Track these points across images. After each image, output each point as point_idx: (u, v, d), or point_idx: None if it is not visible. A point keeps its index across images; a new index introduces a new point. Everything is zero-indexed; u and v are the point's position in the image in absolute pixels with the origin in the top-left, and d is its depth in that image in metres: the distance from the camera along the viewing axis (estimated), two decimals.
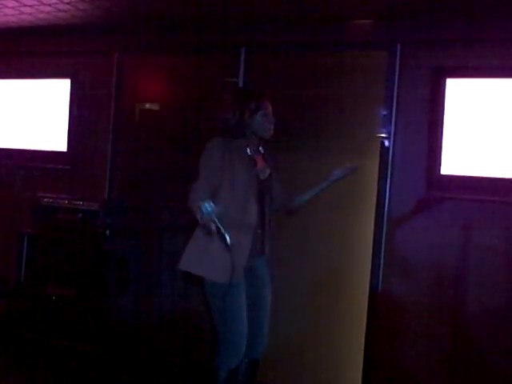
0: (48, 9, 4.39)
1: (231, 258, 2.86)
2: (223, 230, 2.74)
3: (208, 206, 2.65)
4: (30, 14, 4.54)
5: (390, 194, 4.07)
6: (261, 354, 3.26)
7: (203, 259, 3.04)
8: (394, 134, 4.07)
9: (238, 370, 3.18)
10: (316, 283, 4.33)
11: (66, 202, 4.74)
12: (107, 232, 4.57)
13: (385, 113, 4.10)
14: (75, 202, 4.71)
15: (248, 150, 3.14)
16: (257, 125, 3.13)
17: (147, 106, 5.09)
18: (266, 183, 3.22)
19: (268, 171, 3.24)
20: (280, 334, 4.27)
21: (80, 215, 4.67)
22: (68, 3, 4.22)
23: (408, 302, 4.00)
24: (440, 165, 3.92)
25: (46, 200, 4.78)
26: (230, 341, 3.06)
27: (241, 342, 3.05)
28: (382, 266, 4.06)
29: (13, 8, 4.42)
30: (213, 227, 2.70)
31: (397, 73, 4.05)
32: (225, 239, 2.77)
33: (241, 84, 4.48)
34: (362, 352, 4.09)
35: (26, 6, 4.35)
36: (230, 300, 3.00)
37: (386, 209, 4.07)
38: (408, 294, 4.00)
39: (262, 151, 3.25)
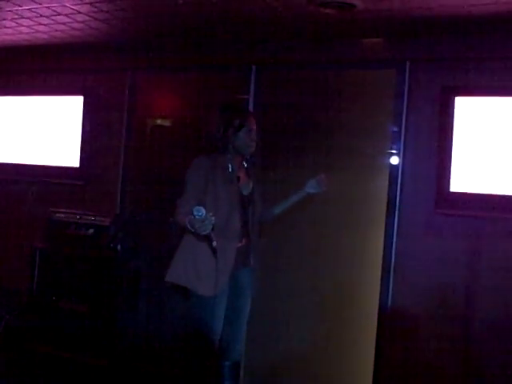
0: (62, 27, 4.46)
1: (216, 271, 3.13)
2: (212, 233, 2.95)
3: (199, 209, 2.81)
4: (45, 32, 4.61)
5: (399, 211, 4.08)
6: (239, 356, 3.56)
7: (189, 271, 3.24)
8: (404, 150, 4.09)
9: (223, 373, 3.43)
10: (326, 298, 4.34)
11: (78, 217, 4.79)
12: (118, 247, 4.61)
13: (394, 129, 4.13)
14: (87, 217, 4.76)
15: (230, 166, 3.25)
16: (239, 141, 3.25)
17: (159, 122, 5.15)
18: (248, 198, 3.34)
19: (251, 186, 3.37)
20: (291, 347, 4.30)
21: (92, 230, 4.71)
22: (82, 22, 4.29)
23: (417, 318, 4.00)
24: (449, 182, 3.93)
25: (58, 215, 4.83)
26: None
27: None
28: (391, 282, 4.07)
29: (28, 27, 4.50)
30: (205, 228, 2.83)
31: (406, 90, 4.08)
32: (211, 241, 3.04)
33: (251, 101, 4.53)
34: (372, 368, 4.09)
35: (40, 24, 4.42)
36: (211, 310, 3.22)
37: (395, 225, 4.08)
38: (417, 311, 4.00)
39: (246, 166, 3.36)
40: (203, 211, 2.81)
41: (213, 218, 2.83)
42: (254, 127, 3.29)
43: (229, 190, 3.23)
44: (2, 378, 4.28)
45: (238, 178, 3.29)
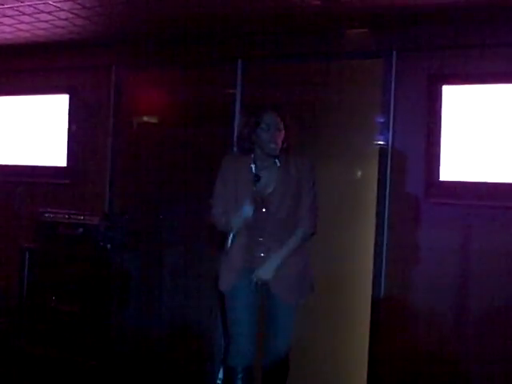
0: (45, 25, 4.42)
1: (224, 268, 3.22)
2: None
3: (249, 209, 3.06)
4: (27, 30, 4.57)
5: (389, 201, 4.08)
6: (269, 364, 3.29)
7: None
8: (392, 140, 4.09)
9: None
10: (318, 290, 4.33)
11: (67, 216, 4.74)
12: (108, 246, 4.57)
13: (382, 120, 4.12)
14: (76, 217, 4.71)
15: (253, 167, 3.17)
16: (259, 140, 3.13)
17: (145, 119, 5.12)
18: (267, 198, 3.16)
19: (272, 187, 3.17)
20: None
21: (81, 229, 4.67)
22: (65, 19, 4.25)
23: (410, 308, 4.01)
24: (439, 171, 3.93)
25: (47, 215, 4.78)
26: (232, 340, 3.22)
27: (241, 343, 3.17)
28: (383, 273, 4.07)
29: (10, 25, 4.46)
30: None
31: (393, 80, 4.08)
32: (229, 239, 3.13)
33: (238, 96, 4.51)
34: (367, 359, 4.09)
35: (23, 23, 4.38)
36: (231, 304, 3.21)
37: (386, 215, 4.08)
38: (410, 301, 4.01)
39: (279, 164, 3.18)
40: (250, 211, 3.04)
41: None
42: (275, 125, 3.12)
43: (243, 189, 3.15)
44: None
45: (258, 178, 3.16)
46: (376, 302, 4.08)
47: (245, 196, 3.12)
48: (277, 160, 3.18)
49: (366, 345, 4.10)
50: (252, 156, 3.18)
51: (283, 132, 3.14)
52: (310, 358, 4.28)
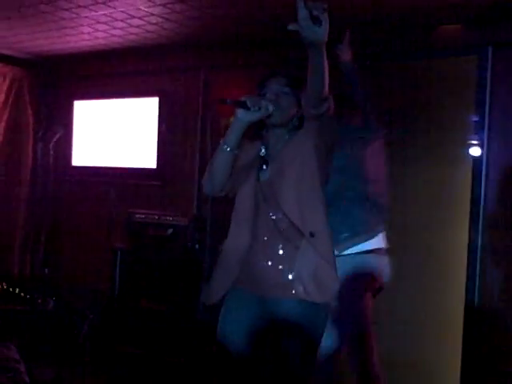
0: (136, 30, 4.52)
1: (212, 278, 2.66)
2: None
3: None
4: (120, 36, 4.69)
5: (484, 202, 3.91)
6: None
7: None
8: (488, 140, 3.91)
9: None
10: (410, 297, 4.21)
11: (157, 217, 4.84)
12: (196, 246, 4.63)
13: (476, 119, 3.95)
14: (165, 218, 4.80)
15: (263, 149, 2.60)
16: None
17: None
18: (267, 188, 2.52)
19: (275, 169, 2.51)
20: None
21: (170, 230, 4.75)
22: (155, 24, 4.34)
23: (506, 316, 3.82)
24: None
25: (137, 216, 4.89)
26: None
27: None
28: (477, 280, 3.90)
29: (104, 31, 4.59)
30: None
31: (489, 77, 3.90)
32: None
33: None
34: (459, 369, 3.94)
35: (115, 28, 4.50)
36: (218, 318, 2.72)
37: (480, 218, 3.91)
38: (506, 309, 3.83)
39: (287, 138, 2.54)
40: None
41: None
42: (273, 89, 2.54)
43: (246, 179, 2.58)
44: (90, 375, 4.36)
45: (266, 163, 2.55)
46: (469, 309, 3.91)
47: (245, 185, 2.62)
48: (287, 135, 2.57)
49: (458, 353, 3.95)
50: (264, 135, 2.63)
51: (291, 98, 2.53)
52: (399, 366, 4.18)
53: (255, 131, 2.62)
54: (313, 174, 2.47)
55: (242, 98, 2.39)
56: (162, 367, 4.50)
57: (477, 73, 3.95)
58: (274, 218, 2.49)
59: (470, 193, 3.96)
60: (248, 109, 2.38)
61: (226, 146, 2.46)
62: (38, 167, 5.81)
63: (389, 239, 4.20)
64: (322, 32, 2.03)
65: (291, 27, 2.02)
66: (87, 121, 5.71)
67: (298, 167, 2.47)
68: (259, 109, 2.38)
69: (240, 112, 2.41)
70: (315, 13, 1.98)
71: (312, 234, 2.41)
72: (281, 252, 2.46)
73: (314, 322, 2.47)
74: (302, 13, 1.97)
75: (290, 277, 2.43)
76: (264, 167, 2.54)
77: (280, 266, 2.45)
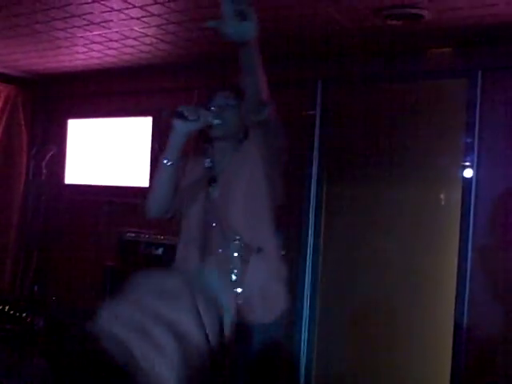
0: (131, 50, 4.56)
1: None
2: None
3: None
4: (114, 56, 4.73)
5: (474, 224, 3.93)
6: None
7: None
8: (478, 162, 3.95)
9: None
10: (398, 311, 4.23)
11: (148, 236, 4.84)
12: None
13: (468, 140, 3.99)
14: (156, 237, 4.80)
15: (207, 163, 2.58)
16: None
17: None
18: (222, 203, 2.47)
19: (222, 185, 2.47)
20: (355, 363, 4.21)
21: (161, 249, 4.75)
22: (149, 44, 4.38)
23: (495, 333, 3.83)
24: None
25: (129, 234, 4.90)
26: None
27: None
28: (466, 296, 3.90)
29: (98, 51, 4.63)
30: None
31: (478, 100, 3.95)
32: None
33: (318, 117, 4.49)
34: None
35: (110, 48, 4.54)
36: None
37: (470, 239, 3.93)
38: (497, 327, 3.83)
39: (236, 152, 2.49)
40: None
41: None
42: (217, 100, 2.51)
43: (194, 198, 2.55)
44: None
45: (214, 179, 2.50)
46: (459, 328, 3.92)
47: (194, 199, 2.62)
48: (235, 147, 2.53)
49: (448, 367, 3.94)
50: (209, 148, 2.58)
51: (237, 110, 2.48)
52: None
53: (200, 145, 2.59)
54: (260, 185, 2.44)
55: (179, 108, 2.33)
56: None
57: (466, 95, 4.01)
58: (224, 233, 2.43)
59: (459, 213, 3.98)
60: (185, 119, 2.32)
61: (166, 161, 2.42)
62: (31, 185, 5.82)
63: (381, 255, 4.28)
64: (250, 27, 1.91)
65: (211, 24, 1.90)
66: (81, 139, 5.73)
67: (245, 181, 2.44)
68: (198, 118, 2.34)
69: (178, 123, 2.35)
70: (239, 7, 1.84)
71: (260, 250, 2.39)
72: (231, 266, 2.40)
73: (263, 343, 2.42)
74: (226, 7, 1.84)
75: (239, 290, 2.37)
76: (213, 184, 2.50)
77: (231, 279, 2.38)
